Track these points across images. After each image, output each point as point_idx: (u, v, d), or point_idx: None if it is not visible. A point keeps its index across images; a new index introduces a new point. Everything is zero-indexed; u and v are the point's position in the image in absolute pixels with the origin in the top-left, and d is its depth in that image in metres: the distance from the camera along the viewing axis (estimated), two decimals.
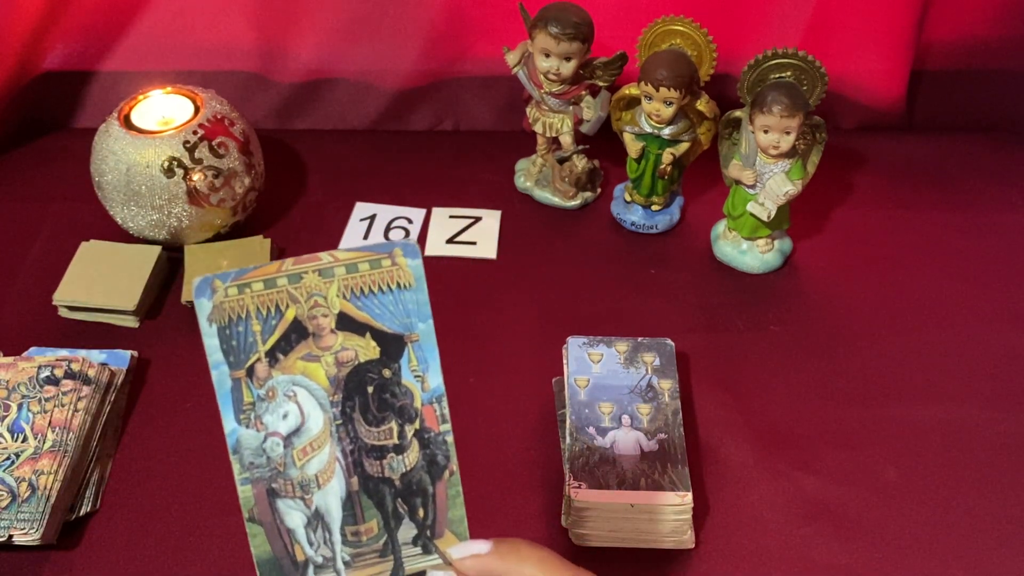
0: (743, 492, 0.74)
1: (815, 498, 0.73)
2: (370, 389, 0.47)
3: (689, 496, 0.68)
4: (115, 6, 1.02)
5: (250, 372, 0.46)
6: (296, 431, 0.46)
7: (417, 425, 0.47)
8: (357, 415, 0.47)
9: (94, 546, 0.69)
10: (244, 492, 0.46)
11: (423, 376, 0.47)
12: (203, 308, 0.45)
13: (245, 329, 0.45)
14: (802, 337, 0.86)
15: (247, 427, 0.46)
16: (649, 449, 0.71)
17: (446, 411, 0.48)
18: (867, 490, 0.74)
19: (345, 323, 0.46)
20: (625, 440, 0.72)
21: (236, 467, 0.46)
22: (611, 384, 0.76)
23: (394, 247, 0.47)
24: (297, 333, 0.46)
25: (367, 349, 0.47)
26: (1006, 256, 0.95)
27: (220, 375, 0.45)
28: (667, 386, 0.76)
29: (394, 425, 0.47)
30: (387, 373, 0.47)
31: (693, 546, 0.69)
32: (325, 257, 0.46)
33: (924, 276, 0.93)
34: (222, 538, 0.70)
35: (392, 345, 0.47)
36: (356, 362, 0.47)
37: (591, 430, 0.72)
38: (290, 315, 0.46)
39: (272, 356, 0.46)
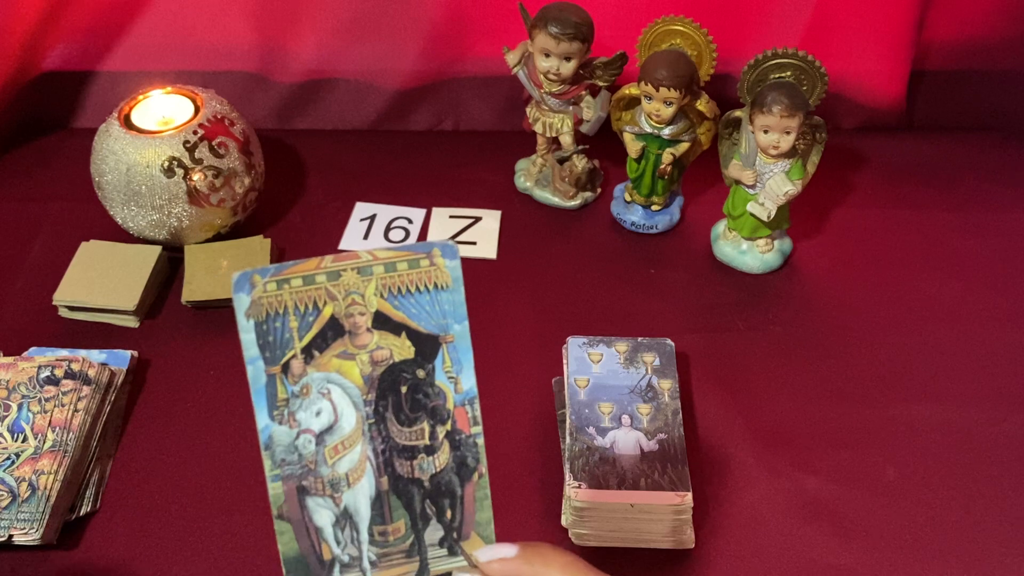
0: (743, 492, 0.74)
1: (815, 498, 0.73)
2: (403, 389, 0.47)
3: (689, 496, 0.68)
4: (115, 6, 1.02)
5: (285, 368, 0.46)
6: (329, 429, 0.46)
7: (449, 426, 0.48)
8: (390, 415, 0.47)
9: (94, 546, 0.69)
10: (275, 489, 0.46)
11: (456, 378, 0.47)
12: (241, 303, 0.45)
13: (282, 325, 0.45)
14: (802, 337, 0.86)
15: (280, 423, 0.46)
16: (649, 449, 0.71)
17: (478, 413, 0.48)
18: (867, 490, 0.74)
19: (381, 322, 0.46)
20: (625, 440, 0.72)
21: (267, 464, 0.46)
22: (611, 384, 0.76)
23: (433, 247, 0.47)
24: (333, 330, 0.46)
25: (402, 349, 0.47)
26: (1006, 256, 0.95)
27: (255, 370, 0.45)
28: (667, 386, 0.76)
29: (426, 426, 0.47)
30: (421, 373, 0.47)
31: (693, 546, 0.69)
32: (364, 255, 0.46)
33: (924, 276, 0.93)
34: (222, 538, 0.70)
35: (427, 345, 0.47)
36: (391, 361, 0.47)
37: (591, 430, 0.72)
38: (327, 312, 0.46)
39: (308, 353, 0.46)
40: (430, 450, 0.47)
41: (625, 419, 0.73)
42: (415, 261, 0.46)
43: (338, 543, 0.47)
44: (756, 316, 0.88)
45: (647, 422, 0.73)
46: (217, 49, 1.04)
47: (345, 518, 0.47)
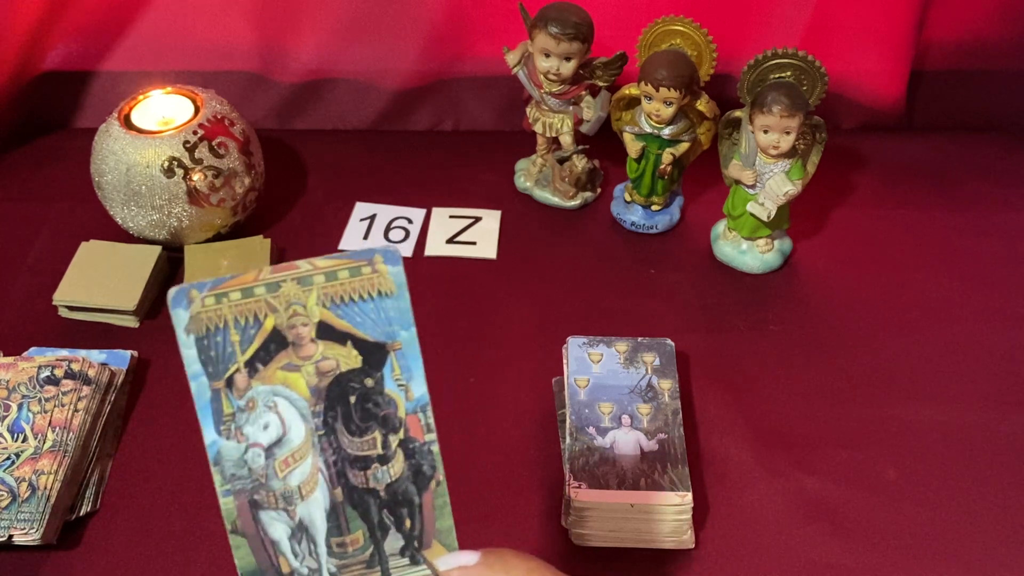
0: (743, 492, 0.74)
1: (815, 498, 0.73)
2: (352, 399, 0.46)
3: (689, 496, 0.68)
4: (115, 6, 1.02)
5: (229, 383, 0.45)
6: (277, 442, 0.46)
7: (401, 435, 0.47)
8: (339, 425, 0.46)
9: (94, 546, 0.69)
10: (226, 504, 0.46)
11: (407, 385, 0.46)
12: (180, 319, 0.44)
13: (223, 339, 0.45)
14: (802, 337, 0.86)
15: (228, 438, 0.45)
16: (649, 449, 0.71)
17: (431, 420, 0.47)
18: (867, 490, 0.74)
19: (325, 332, 0.46)
20: (625, 440, 0.72)
21: (217, 479, 0.45)
22: (611, 384, 0.76)
23: (374, 254, 0.46)
24: (276, 343, 0.45)
25: (349, 358, 0.46)
26: (1006, 256, 0.95)
27: (199, 386, 0.45)
28: (667, 386, 0.76)
29: (378, 435, 0.47)
30: (369, 382, 0.46)
31: (693, 546, 0.69)
32: (303, 265, 0.45)
33: (924, 276, 0.93)
34: (222, 538, 0.69)
35: (374, 354, 0.46)
36: (337, 371, 0.46)
37: (591, 430, 0.72)
38: (269, 324, 0.45)
39: (251, 366, 0.45)
40: (383, 459, 0.47)
41: (625, 419, 0.73)
42: (356, 269, 0.46)
43: (296, 556, 0.47)
44: (756, 316, 0.88)
45: (647, 422, 0.73)
46: (217, 49, 1.04)
47: (301, 531, 0.46)
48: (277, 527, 0.46)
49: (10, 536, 0.67)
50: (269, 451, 0.46)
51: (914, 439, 0.78)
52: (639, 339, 0.80)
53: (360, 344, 0.46)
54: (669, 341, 0.80)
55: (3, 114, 1.03)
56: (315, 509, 0.47)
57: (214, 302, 0.45)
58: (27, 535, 0.67)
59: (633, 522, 0.68)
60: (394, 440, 0.47)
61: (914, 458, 0.76)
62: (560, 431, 0.77)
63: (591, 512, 0.68)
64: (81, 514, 0.71)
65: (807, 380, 0.83)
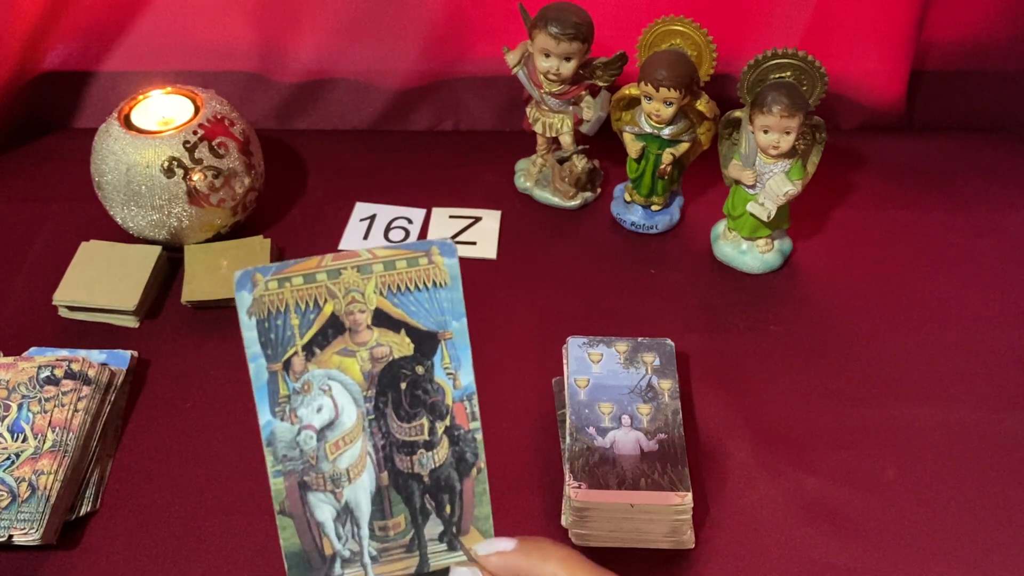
0: (743, 492, 0.74)
1: (815, 498, 0.73)
2: (403, 385, 0.48)
3: (689, 496, 0.68)
4: (115, 6, 1.02)
5: (287, 365, 0.46)
6: (329, 425, 0.47)
7: (448, 422, 0.48)
8: (389, 411, 0.48)
9: (94, 546, 0.70)
10: (276, 485, 0.47)
11: (455, 374, 0.48)
12: (243, 301, 0.46)
13: (283, 323, 0.46)
14: (802, 337, 0.86)
15: (282, 420, 0.46)
16: (649, 449, 0.71)
17: (476, 409, 0.49)
18: (867, 490, 0.74)
19: (381, 319, 0.47)
20: (625, 440, 0.72)
21: (269, 459, 0.47)
22: (611, 384, 0.76)
23: (431, 245, 0.47)
24: (334, 328, 0.47)
25: (401, 346, 0.48)
26: (1006, 256, 0.95)
27: (257, 367, 0.46)
28: (667, 386, 0.76)
29: (425, 421, 0.48)
30: (420, 370, 0.48)
31: (693, 546, 0.69)
32: (364, 254, 0.47)
33: (924, 276, 0.93)
34: (222, 538, 0.70)
35: (426, 342, 0.48)
36: (390, 358, 0.47)
37: (591, 430, 0.72)
38: (328, 310, 0.47)
39: (309, 350, 0.47)
40: (429, 445, 0.48)
41: (625, 419, 0.73)
42: (414, 259, 0.47)
43: (339, 538, 0.48)
44: (756, 316, 0.88)
45: (647, 422, 0.73)
46: (217, 49, 1.05)
47: (346, 513, 0.48)
48: (323, 509, 0.48)
49: (10, 536, 0.67)
50: (321, 433, 0.47)
51: (914, 439, 0.78)
52: (639, 339, 0.80)
53: (413, 332, 0.48)
54: (669, 341, 0.80)
55: (3, 114, 1.03)
56: (361, 492, 0.48)
57: (277, 286, 0.46)
58: (27, 535, 0.67)
59: (633, 522, 0.68)
60: (440, 427, 0.48)
61: (914, 458, 0.76)
62: (560, 431, 0.77)
63: (591, 512, 0.68)
64: (81, 514, 0.71)
65: (807, 380, 0.83)
